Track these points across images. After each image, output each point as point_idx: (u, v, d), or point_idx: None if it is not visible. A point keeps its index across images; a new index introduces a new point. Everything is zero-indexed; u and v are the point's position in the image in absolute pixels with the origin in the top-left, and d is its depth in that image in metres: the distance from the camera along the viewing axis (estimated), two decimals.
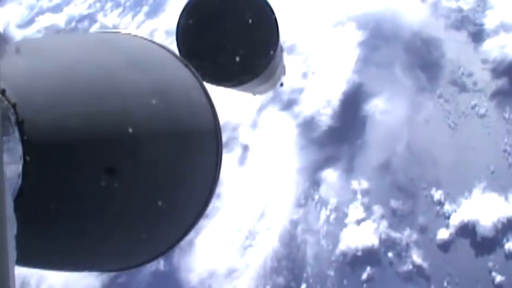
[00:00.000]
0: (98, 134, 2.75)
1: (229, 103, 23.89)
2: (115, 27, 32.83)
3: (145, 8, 33.47)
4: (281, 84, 7.83)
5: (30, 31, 34.78)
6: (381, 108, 25.28)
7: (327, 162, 24.44)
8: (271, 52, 3.70)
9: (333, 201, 23.81)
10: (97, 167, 2.71)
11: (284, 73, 7.32)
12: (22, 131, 2.37)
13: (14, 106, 2.32)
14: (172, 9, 31.41)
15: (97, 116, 2.72)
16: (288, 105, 25.89)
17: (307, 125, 25.25)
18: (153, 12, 33.01)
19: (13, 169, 2.32)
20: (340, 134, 24.94)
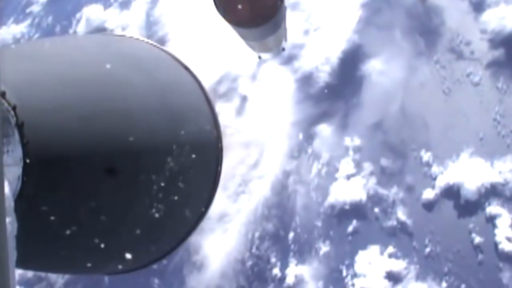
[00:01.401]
0: (98, 137, 2.85)
1: (231, 55, 24.30)
2: None
3: None
4: (283, 49, 8.53)
5: None
6: (378, 69, 25.69)
7: (322, 117, 24.99)
8: (279, 2, 4.51)
9: (325, 156, 24.43)
10: (97, 170, 2.81)
11: (286, 39, 8.00)
12: (22, 133, 2.48)
13: (14, 108, 2.44)
14: None
15: (98, 119, 2.82)
16: (288, 60, 26.20)
17: (305, 80, 25.68)
18: None
19: (14, 171, 2.38)
20: (337, 91, 25.41)
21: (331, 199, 23.55)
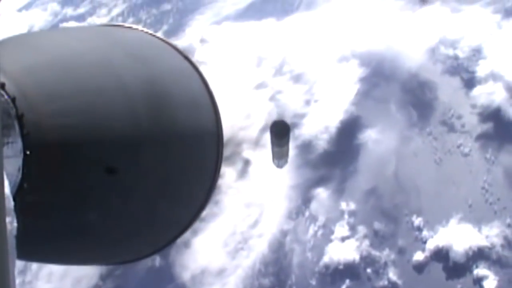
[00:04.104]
0: (98, 127, 2.68)
1: (235, 121, 25.88)
2: None
3: (165, 27, 34.84)
4: (286, 161, 11.87)
5: None
6: (374, 138, 27.06)
7: (319, 182, 26.18)
8: (288, 132, 7.13)
9: (321, 218, 25.41)
10: (97, 161, 2.68)
11: (288, 156, 11.65)
12: (22, 125, 2.38)
13: (13, 100, 2.38)
14: (191, 31, 33.36)
15: (97, 109, 2.68)
16: (290, 128, 27.61)
17: (305, 147, 26.96)
18: (173, 32, 34.20)
19: (14, 163, 2.32)
20: (334, 158, 26.64)
21: (326, 259, 24.41)
